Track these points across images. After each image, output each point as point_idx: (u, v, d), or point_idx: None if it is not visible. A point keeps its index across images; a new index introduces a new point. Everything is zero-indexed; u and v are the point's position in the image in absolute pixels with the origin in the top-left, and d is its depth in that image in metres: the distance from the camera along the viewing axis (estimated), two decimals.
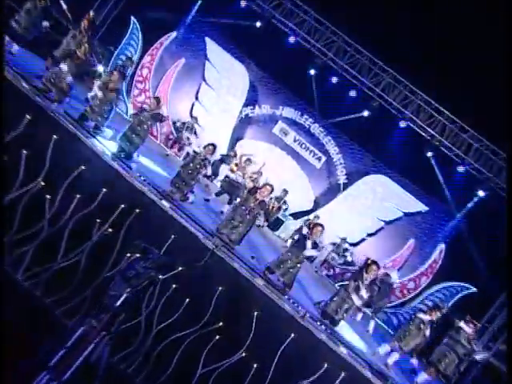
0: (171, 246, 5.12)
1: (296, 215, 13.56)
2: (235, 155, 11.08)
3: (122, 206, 4.82)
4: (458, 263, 12.18)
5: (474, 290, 11.65)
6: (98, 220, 4.88)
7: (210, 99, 13.38)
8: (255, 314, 5.03)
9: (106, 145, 6.19)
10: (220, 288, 5.01)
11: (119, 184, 5.38)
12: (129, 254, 3.86)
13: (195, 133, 11.25)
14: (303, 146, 13.96)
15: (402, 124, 12.54)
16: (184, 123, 11.59)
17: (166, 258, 4.27)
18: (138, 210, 4.88)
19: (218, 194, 9.48)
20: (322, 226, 7.03)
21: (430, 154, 12.56)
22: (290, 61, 12.97)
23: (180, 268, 4.88)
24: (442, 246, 12.24)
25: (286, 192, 12.06)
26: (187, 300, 4.98)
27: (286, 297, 5.99)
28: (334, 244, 12.35)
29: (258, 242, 9.28)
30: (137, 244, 3.26)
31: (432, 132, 12.28)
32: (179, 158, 12.29)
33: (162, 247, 4.96)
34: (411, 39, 11.09)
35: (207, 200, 9.10)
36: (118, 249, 4.84)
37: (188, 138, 11.13)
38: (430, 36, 10.98)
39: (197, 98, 13.47)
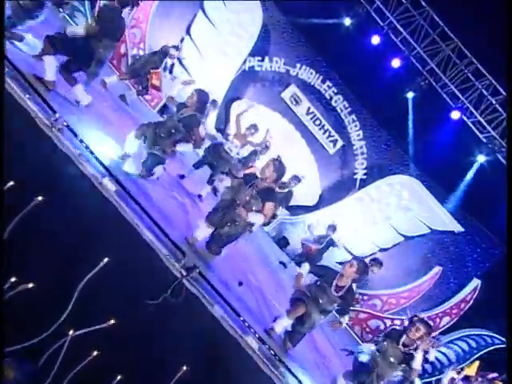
0: (104, 269, 2.99)
1: (293, 209, 11.57)
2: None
3: (11, 183, 2.64)
4: (491, 307, 10.54)
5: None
6: None
7: (207, 36, 10.92)
8: None
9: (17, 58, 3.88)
10: (185, 367, 2.94)
11: (21, 133, 3.17)
12: None
13: (170, 70, 8.43)
14: (317, 121, 11.84)
15: (454, 115, 10.55)
16: (163, 52, 8.16)
17: None
18: (40, 198, 2.69)
19: (196, 166, 7.28)
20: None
21: (482, 159, 10.67)
22: (321, 4, 10.71)
23: (112, 321, 2.76)
24: (478, 282, 10.53)
25: (297, 180, 9.40)
26: (118, 378, 2.91)
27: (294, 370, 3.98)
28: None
29: (244, 249, 7.21)
30: None
31: (492, 132, 10.35)
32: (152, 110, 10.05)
33: (84, 274, 2.83)
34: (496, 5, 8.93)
35: (182, 176, 6.92)
36: None
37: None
38: None
39: (188, 32, 11.01)
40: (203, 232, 4.53)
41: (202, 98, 5.17)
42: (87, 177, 3.44)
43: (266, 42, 11.45)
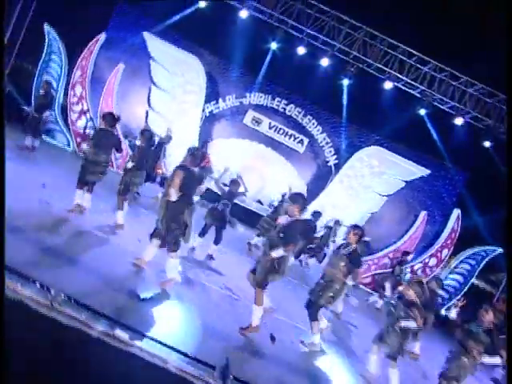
0: None
1: None
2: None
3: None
4: (472, 225, 10.02)
5: (501, 250, 9.53)
6: None
7: (165, 103, 10.25)
8: None
9: None
10: None
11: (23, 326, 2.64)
12: None
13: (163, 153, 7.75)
14: (281, 131, 11.17)
15: (388, 85, 9.86)
16: (160, 144, 7.36)
17: None
18: None
19: (202, 234, 5.98)
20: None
21: (423, 111, 10.01)
22: (247, 38, 9.92)
23: None
24: (458, 211, 9.98)
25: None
26: None
27: None
28: (328, 228, 9.02)
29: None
30: None
31: (421, 87, 9.68)
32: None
33: None
34: None
35: (211, 257, 5.91)
36: None
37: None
38: None
39: (149, 105, 10.35)
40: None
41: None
42: (98, 339, 2.92)
43: (214, 86, 10.75)
